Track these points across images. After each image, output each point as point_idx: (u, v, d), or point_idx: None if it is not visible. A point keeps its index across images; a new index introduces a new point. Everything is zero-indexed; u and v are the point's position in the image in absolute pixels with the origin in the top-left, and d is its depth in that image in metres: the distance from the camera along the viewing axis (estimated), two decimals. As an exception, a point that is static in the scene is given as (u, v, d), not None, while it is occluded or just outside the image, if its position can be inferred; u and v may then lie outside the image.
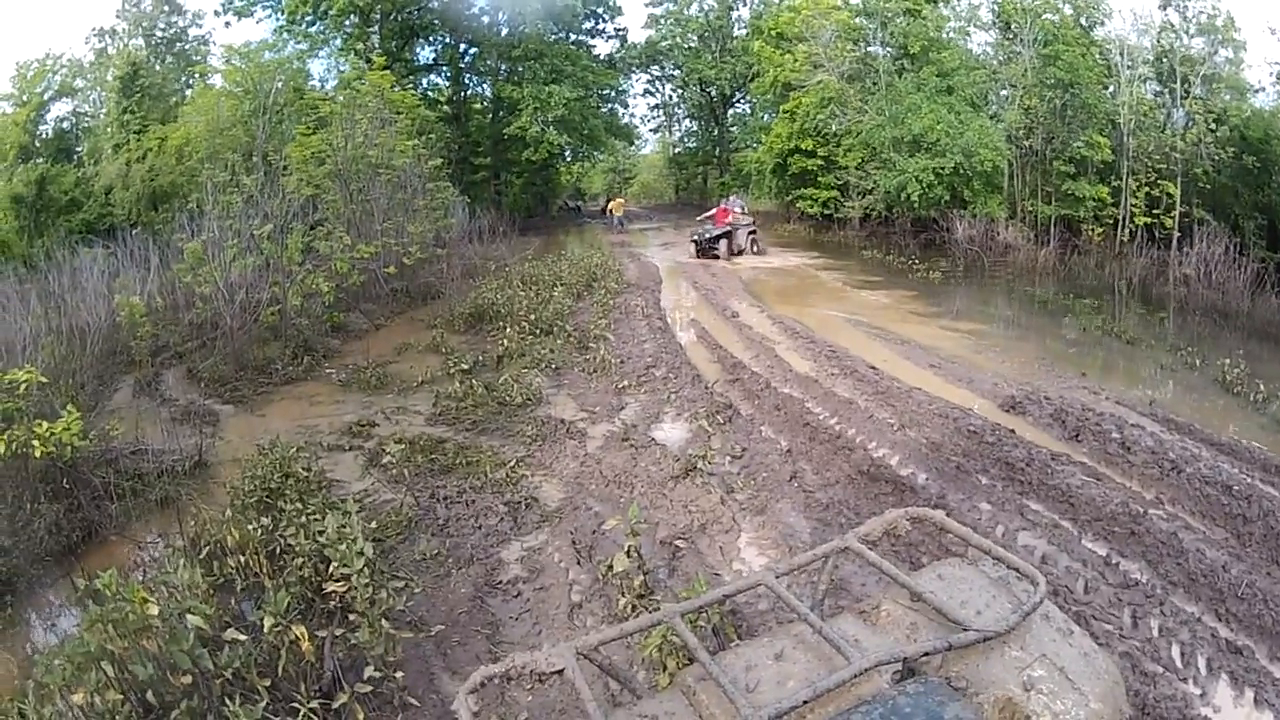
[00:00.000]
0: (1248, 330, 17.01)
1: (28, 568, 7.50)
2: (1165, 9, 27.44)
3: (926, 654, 2.39)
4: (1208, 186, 25.81)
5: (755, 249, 29.01)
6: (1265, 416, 10.83)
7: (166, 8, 40.79)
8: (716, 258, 27.20)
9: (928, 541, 6.32)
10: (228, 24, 41.38)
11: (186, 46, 41.57)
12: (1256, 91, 27.00)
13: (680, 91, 52.09)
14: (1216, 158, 25.31)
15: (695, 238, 28.28)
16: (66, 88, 39.05)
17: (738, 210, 30.74)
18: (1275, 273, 21.12)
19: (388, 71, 27.15)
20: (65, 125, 39.56)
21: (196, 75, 38.62)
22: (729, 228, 28.19)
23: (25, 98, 37.66)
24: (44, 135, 38.58)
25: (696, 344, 14.37)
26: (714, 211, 29.89)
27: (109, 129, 37.90)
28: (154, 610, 4.91)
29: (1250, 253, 22.36)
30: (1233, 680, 5.24)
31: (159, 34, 40.74)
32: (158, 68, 39.67)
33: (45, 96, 38.37)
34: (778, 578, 2.81)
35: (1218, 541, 6.80)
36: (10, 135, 36.52)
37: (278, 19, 37.81)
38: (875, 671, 2.33)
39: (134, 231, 24.30)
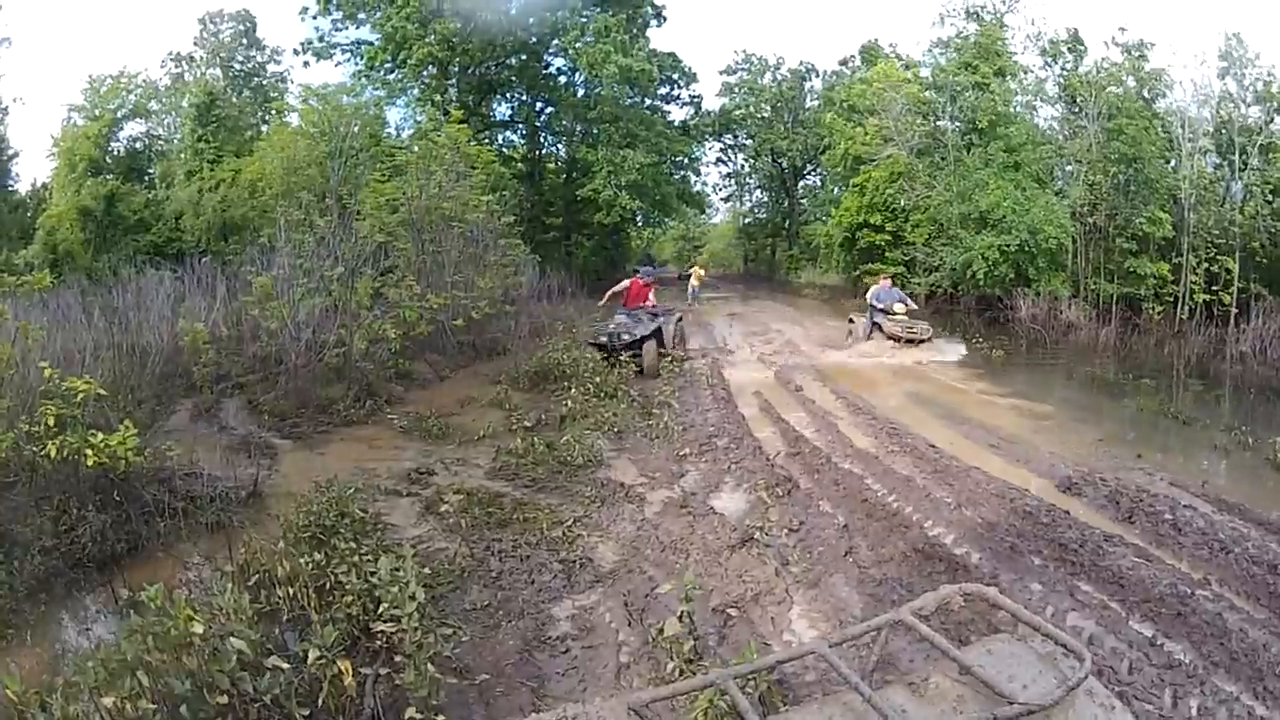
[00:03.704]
0: (1301, 408, 16.78)
1: (67, 570, 7.67)
2: (1224, 78, 27.45)
3: None
4: (1264, 261, 25.77)
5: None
6: (1314, 495, 10.66)
7: (245, 41, 42.35)
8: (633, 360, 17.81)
9: (978, 620, 6.28)
10: (306, 64, 42.37)
11: (264, 82, 43.11)
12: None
13: (752, 161, 52.40)
14: (1273, 230, 25.23)
15: (601, 338, 18.48)
16: (141, 108, 40.47)
17: (898, 306, 22.06)
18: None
19: (464, 125, 27.56)
20: (138, 145, 41.06)
21: (273, 111, 39.66)
22: (657, 323, 18.73)
23: (97, 112, 38.92)
24: (115, 152, 39.93)
25: (759, 416, 14.30)
26: (624, 285, 20.14)
27: (182, 155, 39.14)
28: (198, 628, 5.01)
29: (1306, 328, 22.25)
30: (1263, 757, 5.15)
31: (237, 66, 42.38)
32: (234, 100, 41.03)
33: (118, 114, 39.64)
34: (831, 647, 2.85)
35: (1261, 621, 6.67)
36: (81, 148, 37.78)
37: (356, 63, 38.77)
38: None
39: (203, 259, 24.82)
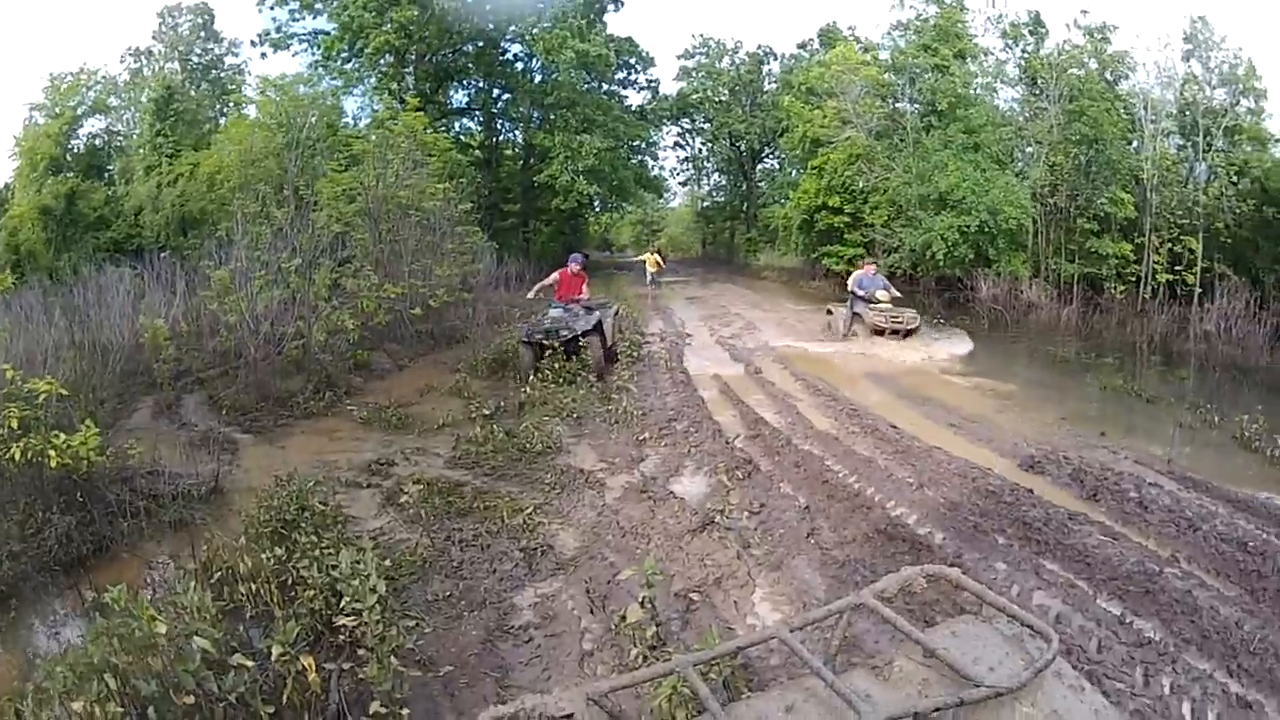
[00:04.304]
0: (1267, 385, 17.15)
1: (35, 574, 7.57)
2: (1189, 60, 27.70)
3: (938, 709, 2.39)
4: (1229, 241, 26.16)
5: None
6: (1282, 470, 10.81)
7: (203, 34, 41.82)
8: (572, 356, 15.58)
9: (942, 600, 6.28)
10: (264, 55, 42.10)
11: (222, 74, 42.52)
12: (1278, 141, 27.22)
13: (710, 145, 52.43)
14: (1238, 211, 25.57)
15: (536, 335, 15.64)
16: (100, 105, 40.09)
17: (880, 294, 19.93)
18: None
19: (421, 113, 27.31)
20: (97, 142, 40.61)
21: (231, 104, 39.37)
22: (595, 317, 16.24)
23: (58, 110, 38.60)
24: (75, 150, 39.51)
25: (719, 399, 14.28)
26: (554, 278, 16.96)
27: (141, 150, 38.69)
28: (162, 629, 4.95)
29: (1270, 307, 22.53)
30: (1241, 734, 5.21)
31: (195, 59, 41.75)
32: (192, 93, 40.57)
33: (78, 111, 39.29)
34: (792, 631, 2.81)
35: (1231, 598, 6.74)
36: (42, 147, 37.44)
37: (314, 54, 38.55)
38: None
39: (162, 254, 24.42)
